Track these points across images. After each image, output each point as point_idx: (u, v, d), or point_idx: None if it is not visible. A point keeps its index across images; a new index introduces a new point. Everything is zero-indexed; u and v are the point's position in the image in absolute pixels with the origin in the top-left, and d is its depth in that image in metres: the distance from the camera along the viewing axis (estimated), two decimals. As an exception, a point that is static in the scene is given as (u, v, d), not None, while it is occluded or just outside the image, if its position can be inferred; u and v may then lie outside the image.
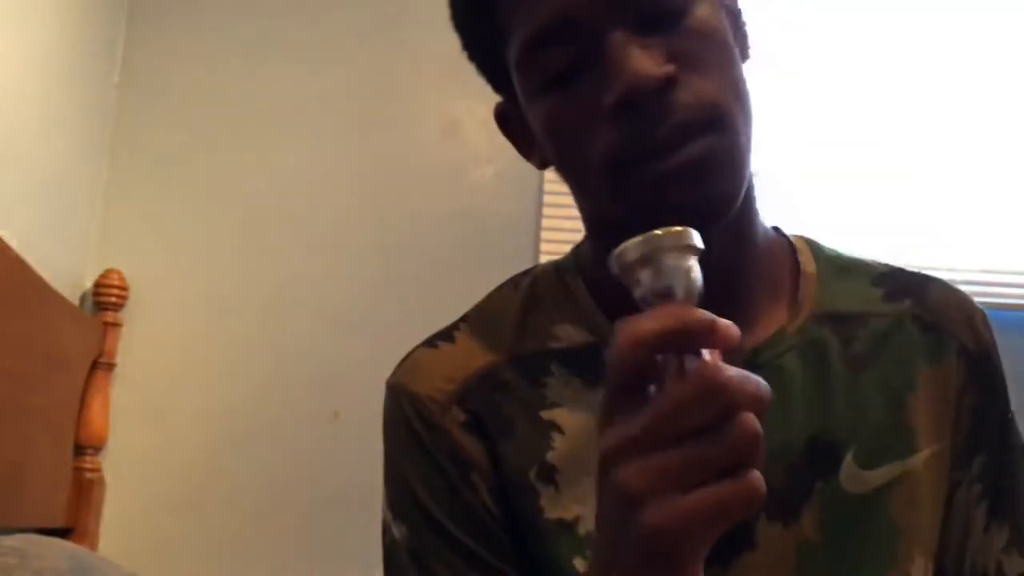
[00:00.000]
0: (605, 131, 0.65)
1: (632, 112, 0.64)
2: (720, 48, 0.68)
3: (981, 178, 2.15)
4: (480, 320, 0.79)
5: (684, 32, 0.66)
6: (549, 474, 0.71)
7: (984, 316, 0.79)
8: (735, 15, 0.73)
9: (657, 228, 0.53)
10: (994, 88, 2.19)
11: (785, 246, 0.79)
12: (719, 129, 0.65)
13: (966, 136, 2.16)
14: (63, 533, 1.74)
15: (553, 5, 0.66)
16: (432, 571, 0.72)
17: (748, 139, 0.68)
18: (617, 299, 0.75)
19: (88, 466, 1.89)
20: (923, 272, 0.81)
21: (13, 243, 1.56)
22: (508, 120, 0.78)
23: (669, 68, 0.64)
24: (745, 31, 0.73)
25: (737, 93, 0.68)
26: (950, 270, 2.04)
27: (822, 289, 0.76)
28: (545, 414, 0.73)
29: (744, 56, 0.72)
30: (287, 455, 2.00)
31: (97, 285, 1.99)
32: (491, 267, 2.11)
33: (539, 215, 2.11)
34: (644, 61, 0.63)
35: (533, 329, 0.76)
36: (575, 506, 0.71)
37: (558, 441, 0.72)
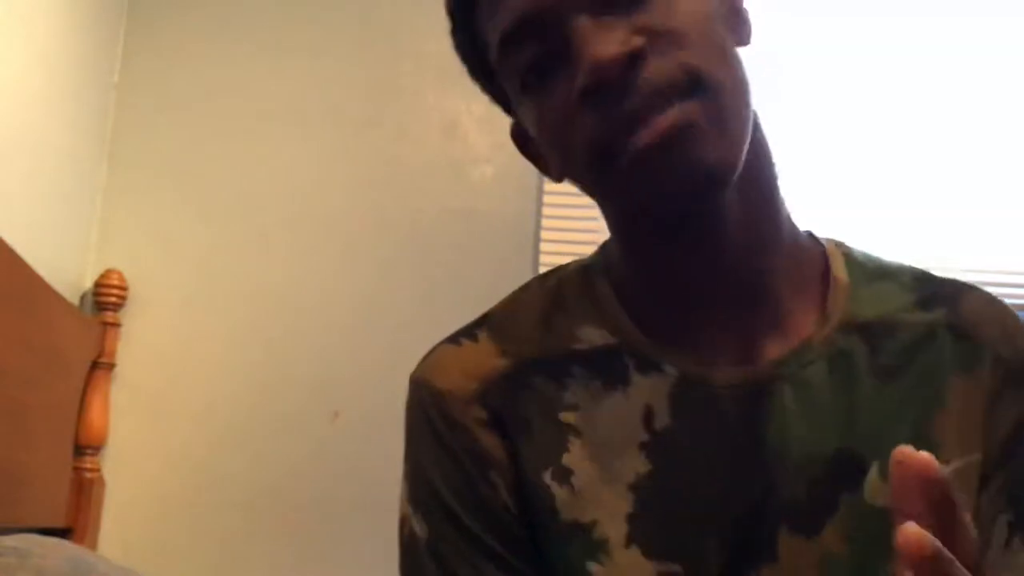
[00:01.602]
0: (582, 121, 0.64)
1: (602, 96, 0.63)
2: (695, 18, 0.65)
3: (992, 176, 2.15)
4: (504, 319, 0.78)
5: (651, 7, 0.64)
6: (565, 476, 0.71)
7: (1022, 325, 0.76)
8: (733, 4, 0.71)
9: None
10: (1003, 86, 2.19)
11: (816, 252, 0.77)
12: (698, 92, 0.63)
13: (977, 134, 2.16)
14: (63, 533, 1.75)
15: (514, 4, 0.66)
16: (451, 567, 0.71)
17: (740, 106, 0.66)
18: (641, 301, 0.75)
19: (88, 466, 1.89)
20: (959, 280, 0.78)
21: (13, 243, 1.56)
22: (524, 140, 0.78)
23: (636, 42, 0.62)
24: (744, 16, 0.71)
25: (722, 58, 0.65)
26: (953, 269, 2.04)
27: (852, 297, 0.74)
28: (563, 416, 0.72)
29: (740, 40, 0.70)
30: (287, 455, 2.00)
31: (97, 285, 1.99)
32: (491, 267, 2.13)
33: (539, 215, 2.11)
34: (604, 43, 0.62)
35: (556, 330, 0.76)
36: (592, 510, 0.70)
37: (575, 444, 0.71)
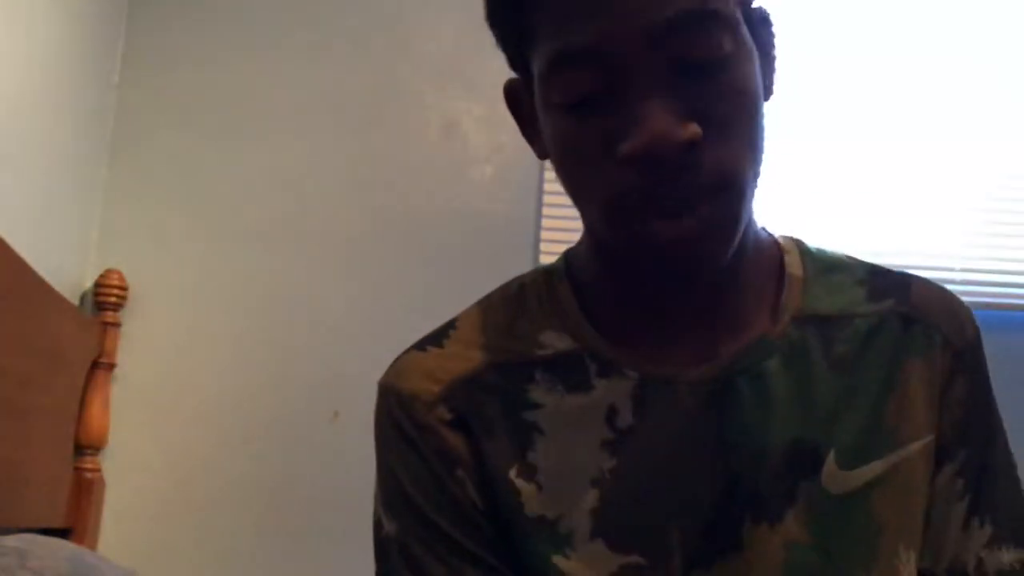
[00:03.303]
0: (614, 173, 0.64)
1: (646, 165, 0.63)
2: (750, 110, 0.66)
3: (979, 176, 2.15)
4: (469, 326, 0.80)
5: (718, 88, 0.64)
6: (530, 473, 0.73)
7: (969, 312, 0.79)
8: (767, 52, 0.71)
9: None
10: (990, 85, 2.19)
11: (773, 249, 0.79)
12: (730, 193, 0.65)
13: (962, 131, 2.17)
14: (63, 533, 1.75)
15: (587, 27, 0.63)
16: (422, 563, 0.73)
17: (753, 195, 0.68)
18: (604, 305, 0.77)
19: (88, 466, 1.89)
20: (906, 271, 0.81)
21: (13, 243, 1.56)
22: (518, 99, 0.77)
23: (694, 130, 0.62)
24: (773, 67, 0.72)
25: (755, 155, 0.67)
26: (948, 269, 2.04)
27: (806, 291, 0.77)
28: (527, 415, 0.74)
29: (767, 95, 0.70)
30: (287, 455, 2.00)
31: (97, 285, 1.99)
32: (491, 267, 2.11)
33: (539, 215, 2.11)
34: (671, 120, 0.62)
35: (519, 336, 0.77)
36: (557, 504, 0.72)
37: (539, 442, 0.73)
